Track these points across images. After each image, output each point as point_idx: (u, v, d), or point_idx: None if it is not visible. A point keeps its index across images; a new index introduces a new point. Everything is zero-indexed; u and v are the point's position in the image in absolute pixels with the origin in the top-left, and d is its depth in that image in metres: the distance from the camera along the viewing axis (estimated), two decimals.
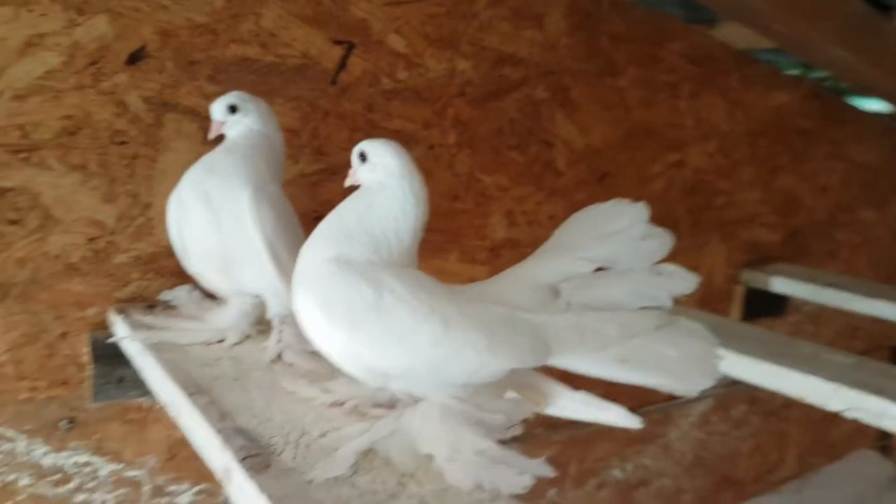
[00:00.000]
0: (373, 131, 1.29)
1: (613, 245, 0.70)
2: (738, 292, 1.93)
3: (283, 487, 0.56)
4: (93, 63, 1.03)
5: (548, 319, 0.67)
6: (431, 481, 0.60)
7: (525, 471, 0.60)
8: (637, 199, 1.65)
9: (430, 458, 0.63)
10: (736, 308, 1.93)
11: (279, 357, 0.88)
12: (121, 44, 1.05)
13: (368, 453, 0.64)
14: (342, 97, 1.25)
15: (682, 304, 1.84)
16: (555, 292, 0.70)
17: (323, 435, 0.66)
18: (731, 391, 2.02)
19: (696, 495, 2.06)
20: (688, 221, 1.82)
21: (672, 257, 1.81)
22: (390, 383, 0.70)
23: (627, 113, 1.65)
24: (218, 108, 0.96)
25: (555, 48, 1.50)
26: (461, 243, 1.45)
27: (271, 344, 0.89)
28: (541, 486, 1.71)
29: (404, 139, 1.33)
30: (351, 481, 0.59)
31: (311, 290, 0.68)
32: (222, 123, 0.96)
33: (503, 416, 0.65)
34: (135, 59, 1.06)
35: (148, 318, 0.98)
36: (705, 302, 1.91)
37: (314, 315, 0.68)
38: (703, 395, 1.98)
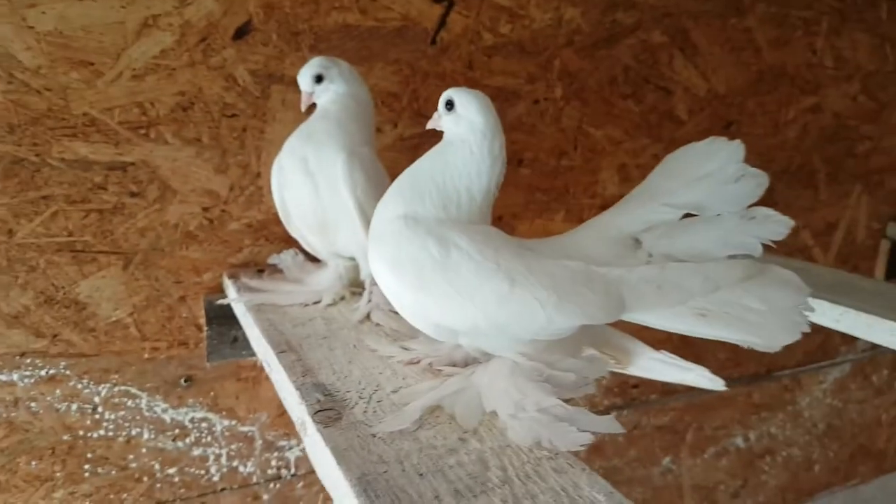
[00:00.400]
0: (473, 89, 1.26)
1: (702, 189, 0.66)
2: (884, 248, 1.76)
3: (348, 440, 0.59)
4: (202, 40, 1.08)
5: (625, 273, 0.63)
6: (493, 438, 0.61)
7: (590, 427, 0.58)
8: (769, 147, 1.56)
9: (494, 414, 0.63)
10: (880, 265, 1.77)
11: (368, 317, 0.91)
12: (228, 19, 1.09)
13: (436, 409, 0.65)
14: (442, 57, 1.24)
15: (820, 262, 1.71)
16: (636, 243, 0.67)
17: (395, 391, 0.68)
18: (873, 356, 1.86)
19: (828, 467, 1.94)
20: (826, 171, 1.67)
21: (808, 211, 1.70)
22: (461, 339, 0.70)
23: (756, 55, 1.52)
24: (304, 80, 0.97)
25: None
26: (568, 202, 1.41)
27: (361, 305, 0.92)
28: (655, 453, 1.68)
29: (506, 95, 1.30)
30: (414, 435, 0.61)
31: (381, 249, 0.69)
32: (311, 94, 0.98)
33: (574, 374, 0.63)
34: (241, 33, 1.10)
35: (254, 282, 1.04)
36: (846, 259, 1.76)
37: (384, 273, 0.69)
38: (840, 360, 1.84)
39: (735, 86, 1.52)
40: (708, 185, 0.65)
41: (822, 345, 1.82)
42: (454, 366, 0.73)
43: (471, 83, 1.26)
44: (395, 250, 0.68)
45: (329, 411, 0.64)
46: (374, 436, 0.60)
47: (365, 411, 0.64)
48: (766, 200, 1.71)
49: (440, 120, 0.74)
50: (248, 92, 1.12)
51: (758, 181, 0.65)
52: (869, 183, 1.73)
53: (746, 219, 0.64)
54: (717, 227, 0.65)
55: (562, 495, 0.52)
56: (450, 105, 0.73)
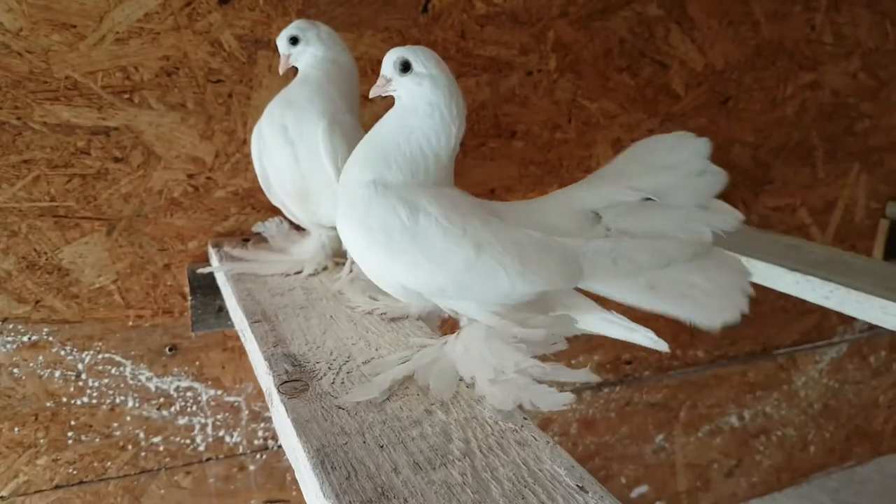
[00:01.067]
0: (465, 59, 1.25)
1: (666, 177, 0.68)
2: (882, 228, 1.74)
3: (312, 411, 0.58)
4: (188, 4, 1.06)
5: (583, 244, 0.67)
6: (459, 409, 0.60)
7: (569, 380, 0.61)
8: (766, 123, 1.54)
9: (470, 383, 0.64)
10: (879, 245, 1.75)
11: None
12: None
13: (406, 381, 0.65)
14: (433, 25, 1.22)
15: (817, 240, 1.69)
16: (597, 217, 0.70)
17: (366, 362, 0.68)
18: (870, 336, 1.85)
19: (823, 447, 1.93)
20: (824, 149, 1.65)
21: (806, 189, 1.68)
22: (434, 301, 0.72)
23: (754, 29, 1.50)
24: (281, 42, 0.95)
25: None
26: (561, 176, 1.39)
27: (343, 275, 0.91)
28: (647, 431, 1.67)
29: (499, 66, 1.28)
30: (380, 407, 0.60)
31: (350, 214, 0.70)
32: (288, 56, 0.95)
33: (544, 330, 0.65)
34: None
35: (237, 251, 1.02)
36: (844, 238, 1.74)
37: (353, 237, 0.70)
38: (836, 340, 1.83)
39: (732, 60, 1.49)
40: (671, 175, 0.68)
41: (818, 324, 1.80)
42: (407, 317, 0.77)
43: (463, 52, 1.25)
44: (364, 215, 0.69)
45: (296, 382, 0.63)
46: (339, 407, 0.59)
47: (333, 382, 0.64)
48: (763, 177, 1.69)
49: (390, 84, 0.72)
50: (234, 57, 1.10)
51: (718, 179, 0.68)
52: (868, 162, 1.71)
53: (702, 208, 0.67)
54: (674, 212, 0.68)
55: (522, 469, 0.52)
56: (405, 66, 0.71)
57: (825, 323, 1.81)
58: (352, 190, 0.72)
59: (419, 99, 0.71)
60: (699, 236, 0.67)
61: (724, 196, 1.62)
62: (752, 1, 1.47)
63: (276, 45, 1.11)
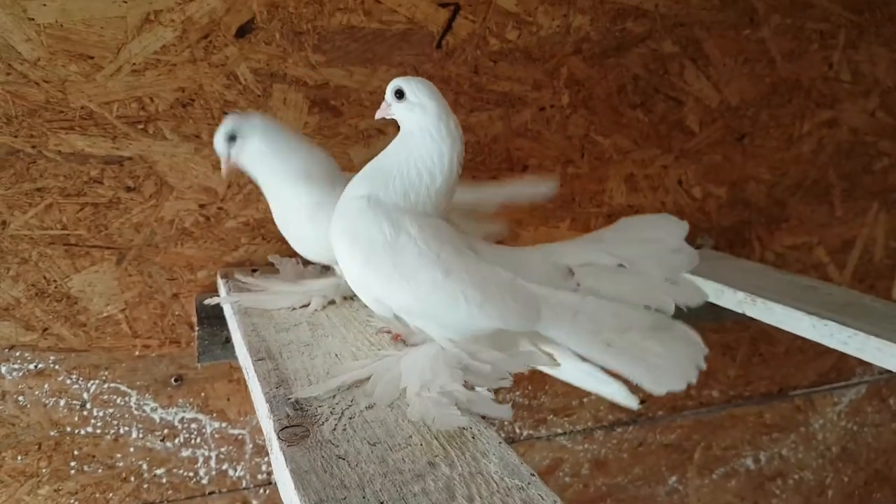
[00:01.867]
0: (478, 94, 1.25)
1: (643, 249, 0.74)
2: None
3: (311, 461, 0.56)
4: (204, 37, 1.07)
5: (549, 292, 0.71)
6: (464, 463, 0.58)
7: (485, 412, 0.65)
8: (782, 161, 1.53)
9: (403, 392, 0.68)
10: None
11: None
12: (231, 17, 1.08)
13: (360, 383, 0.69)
14: (447, 61, 1.22)
15: (835, 280, 1.66)
16: (570, 272, 0.74)
17: (370, 407, 0.66)
18: (890, 378, 1.81)
19: (841, 492, 1.87)
20: (841, 188, 1.63)
21: (824, 227, 1.66)
22: (402, 316, 0.76)
23: (770, 66, 1.49)
24: (219, 144, 0.94)
25: None
26: (574, 210, 1.38)
27: None
28: (661, 472, 1.63)
29: (512, 101, 1.28)
30: (382, 458, 0.58)
31: (342, 223, 0.76)
32: (228, 157, 0.93)
33: (490, 366, 0.68)
34: (244, 31, 1.10)
35: (247, 279, 1.02)
36: (863, 278, 1.71)
37: (341, 245, 0.76)
38: (855, 382, 1.79)
39: (748, 98, 1.49)
40: (649, 248, 0.73)
41: (836, 365, 1.76)
42: (415, 345, 0.78)
43: (476, 87, 1.25)
44: (354, 225, 0.75)
45: (296, 427, 0.62)
46: (340, 458, 0.57)
47: (334, 429, 0.62)
48: (779, 214, 1.67)
49: (390, 109, 0.79)
50: (249, 90, 1.11)
51: (691, 258, 0.73)
52: (887, 201, 1.69)
53: (671, 282, 0.72)
54: (644, 280, 0.72)
55: None
56: (399, 94, 0.77)
57: (843, 364, 1.77)
58: (348, 201, 0.77)
59: (413, 124, 0.77)
60: (662, 306, 0.70)
61: (741, 233, 1.60)
62: (768, 39, 1.47)
63: (291, 79, 1.13)
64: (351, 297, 0.95)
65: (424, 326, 0.75)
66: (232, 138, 0.93)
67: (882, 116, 1.62)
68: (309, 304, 0.94)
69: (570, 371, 0.74)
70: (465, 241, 0.76)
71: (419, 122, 0.76)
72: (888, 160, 1.66)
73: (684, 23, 1.39)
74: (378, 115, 0.80)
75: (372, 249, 0.72)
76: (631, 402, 0.72)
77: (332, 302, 0.95)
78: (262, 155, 0.93)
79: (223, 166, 0.94)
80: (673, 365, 0.67)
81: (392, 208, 0.74)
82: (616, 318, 0.69)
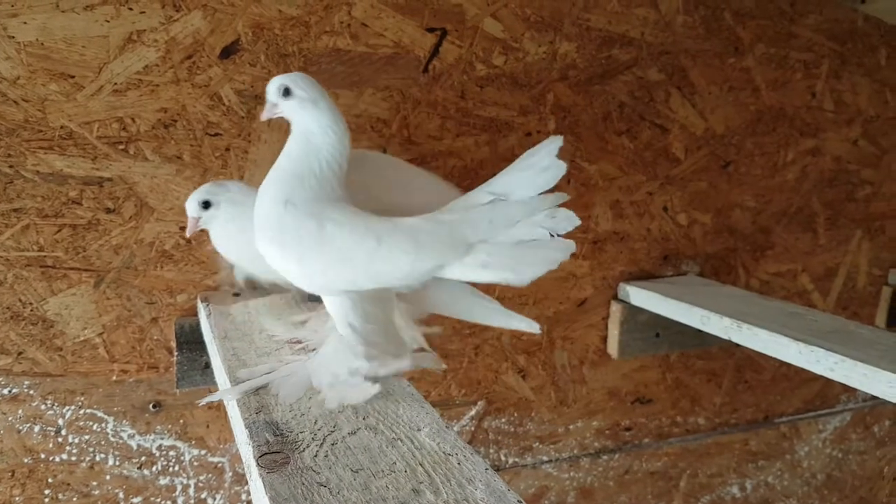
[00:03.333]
0: (465, 119, 1.25)
1: (516, 176, 0.79)
2: (885, 295, 1.72)
3: (292, 488, 0.54)
4: (188, 57, 1.06)
5: (462, 215, 0.79)
6: (449, 490, 0.56)
7: (396, 368, 0.74)
8: (767, 188, 1.54)
9: (318, 390, 0.73)
10: (882, 313, 1.72)
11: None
12: (215, 38, 1.08)
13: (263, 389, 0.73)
14: (434, 85, 1.22)
15: (819, 307, 1.66)
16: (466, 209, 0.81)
17: (353, 433, 0.64)
18: (874, 405, 1.80)
19: None
20: (825, 215, 1.64)
21: (807, 255, 1.66)
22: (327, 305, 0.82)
23: (755, 95, 1.50)
24: (191, 207, 0.96)
25: (670, 27, 1.39)
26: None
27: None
28: (647, 500, 1.61)
29: (499, 126, 1.28)
30: (365, 485, 0.56)
31: (266, 232, 0.80)
32: (197, 220, 0.96)
33: (375, 350, 0.75)
34: (228, 52, 1.09)
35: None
36: (846, 305, 1.72)
37: (272, 252, 0.80)
38: (840, 409, 1.79)
39: (733, 125, 1.50)
40: (523, 174, 0.78)
41: (820, 392, 1.76)
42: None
43: (462, 112, 1.25)
44: (278, 232, 0.79)
45: (276, 454, 0.60)
46: (321, 485, 0.56)
47: (316, 455, 0.60)
48: (763, 242, 1.67)
49: (277, 108, 0.83)
50: (232, 111, 1.10)
51: (556, 172, 0.77)
52: (870, 229, 1.70)
53: (550, 216, 0.77)
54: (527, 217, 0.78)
55: None
56: (286, 92, 0.82)
57: (828, 391, 1.77)
58: (267, 210, 0.80)
59: (310, 121, 0.82)
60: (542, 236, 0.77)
61: (726, 260, 1.60)
62: (753, 68, 1.49)
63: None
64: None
65: (335, 308, 0.80)
66: (206, 205, 0.96)
67: (864, 145, 1.64)
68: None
69: (475, 308, 0.85)
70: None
71: (316, 118, 0.82)
72: (870, 188, 1.67)
73: (670, 51, 1.40)
74: (264, 116, 0.84)
75: (302, 247, 0.77)
76: (533, 327, 0.82)
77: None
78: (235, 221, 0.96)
79: (189, 228, 0.97)
80: (536, 261, 0.76)
81: (310, 204, 0.79)
82: (522, 206, 0.76)
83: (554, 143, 0.77)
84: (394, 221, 0.79)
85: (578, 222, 0.78)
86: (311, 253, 0.77)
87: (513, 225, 0.76)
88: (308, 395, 0.72)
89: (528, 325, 0.83)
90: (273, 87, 0.83)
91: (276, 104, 0.83)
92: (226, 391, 0.75)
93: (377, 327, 0.79)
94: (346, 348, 0.76)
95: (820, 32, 1.53)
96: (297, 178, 0.81)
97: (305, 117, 0.82)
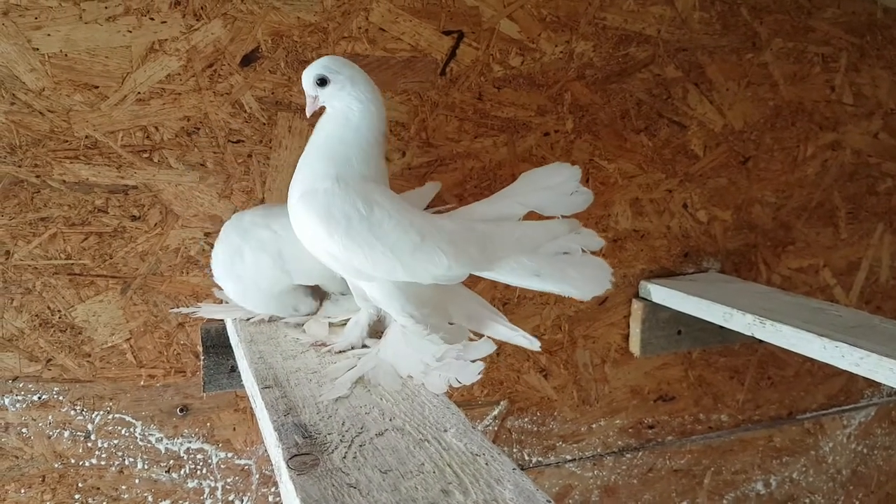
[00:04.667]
0: (483, 120, 1.26)
1: (545, 194, 0.88)
2: None
3: (322, 489, 0.55)
4: (209, 66, 1.08)
5: (494, 226, 0.85)
6: (478, 490, 0.57)
7: (474, 355, 0.78)
8: (787, 184, 1.53)
9: (408, 378, 0.78)
10: None
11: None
12: (235, 46, 1.09)
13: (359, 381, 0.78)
14: (451, 87, 1.23)
15: (842, 302, 1.65)
16: (497, 223, 0.87)
17: (380, 434, 0.65)
18: None
19: None
20: (846, 209, 1.62)
21: (829, 249, 1.65)
22: (367, 291, 0.85)
23: (773, 90, 1.50)
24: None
25: (686, 23, 1.39)
26: None
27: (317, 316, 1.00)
28: (670, 498, 1.61)
29: (517, 127, 1.29)
30: (395, 486, 0.57)
31: (314, 204, 0.80)
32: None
33: (447, 334, 0.82)
34: (249, 60, 1.10)
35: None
36: (869, 299, 1.70)
37: (315, 227, 0.80)
38: (864, 404, 1.77)
39: (752, 121, 1.49)
40: (550, 193, 0.88)
41: (844, 388, 1.75)
42: (353, 347, 0.88)
43: (480, 114, 1.25)
44: (327, 206, 0.79)
45: (306, 456, 0.61)
46: (351, 486, 0.56)
47: (345, 457, 0.61)
48: (784, 237, 1.66)
49: (318, 100, 0.84)
50: (254, 118, 1.11)
51: (585, 198, 0.89)
52: (892, 222, 1.68)
53: (576, 229, 0.88)
54: (552, 232, 0.87)
55: None
56: (323, 81, 0.83)
57: (852, 386, 1.76)
58: (315, 183, 0.81)
59: (350, 100, 0.83)
60: (571, 251, 0.86)
61: (747, 256, 1.59)
62: (771, 63, 1.48)
63: (296, 107, 1.13)
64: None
65: (385, 304, 0.84)
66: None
67: (885, 138, 1.62)
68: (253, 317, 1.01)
69: (487, 323, 0.89)
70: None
71: (356, 96, 0.83)
72: (892, 181, 1.66)
73: (687, 48, 1.40)
74: (309, 112, 0.84)
75: (350, 226, 0.78)
76: (533, 344, 0.86)
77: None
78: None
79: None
80: (589, 280, 0.84)
81: (360, 184, 0.81)
82: (544, 232, 0.85)
83: (570, 169, 0.89)
84: (432, 220, 0.82)
85: (602, 243, 0.88)
86: (357, 234, 0.78)
87: (536, 249, 0.84)
88: (327, 393, 0.74)
89: (529, 343, 0.87)
90: (309, 80, 0.83)
91: (315, 96, 0.83)
92: (337, 387, 0.76)
93: (431, 310, 0.84)
94: (415, 336, 0.81)
95: (838, 26, 1.52)
96: (343, 157, 0.82)
97: (345, 98, 0.83)
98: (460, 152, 1.25)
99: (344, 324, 0.95)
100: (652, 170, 1.42)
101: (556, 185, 0.88)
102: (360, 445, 0.63)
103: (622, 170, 1.39)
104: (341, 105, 0.83)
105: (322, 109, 0.88)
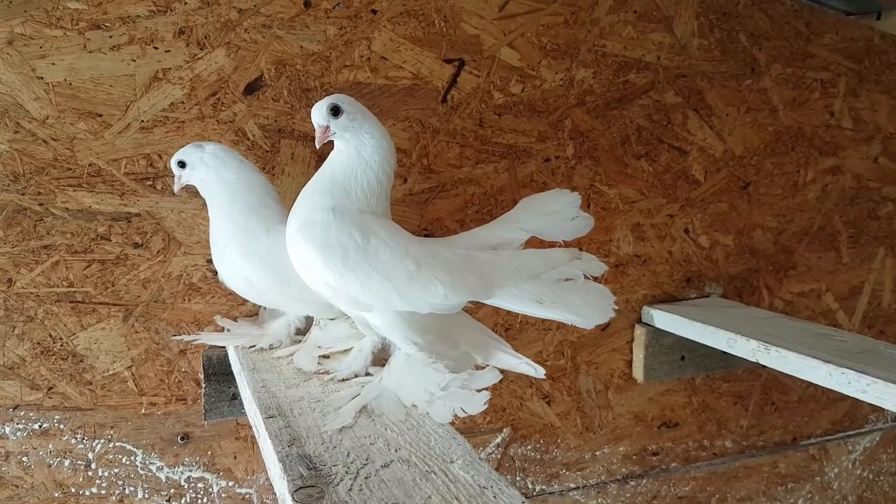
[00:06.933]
0: (483, 146, 1.26)
1: (546, 220, 0.88)
2: None
3: None
4: (213, 94, 1.08)
5: (492, 255, 0.85)
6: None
7: (480, 384, 0.77)
8: (787, 208, 1.53)
9: (412, 407, 0.79)
10: None
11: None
12: (239, 75, 1.10)
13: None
14: (452, 114, 1.23)
15: (845, 326, 1.64)
16: (494, 251, 0.87)
17: (386, 465, 0.64)
18: None
19: None
20: (847, 234, 1.63)
21: (831, 274, 1.65)
22: (370, 319, 0.85)
23: (773, 115, 1.51)
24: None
25: (686, 50, 1.40)
26: None
27: (303, 341, 1.00)
28: None
29: (517, 153, 1.29)
30: None
31: (311, 234, 0.80)
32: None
33: (452, 362, 0.81)
34: (252, 88, 1.11)
35: (224, 321, 1.09)
36: (872, 323, 1.70)
37: (312, 257, 0.80)
38: (868, 429, 1.76)
39: (752, 146, 1.50)
40: (551, 219, 0.89)
41: (849, 413, 1.74)
42: (356, 375, 0.89)
43: (481, 140, 1.26)
44: (323, 236, 0.80)
45: (311, 489, 0.60)
46: None
47: (350, 489, 0.60)
48: (786, 262, 1.66)
49: (329, 130, 0.84)
50: (257, 146, 1.12)
51: (586, 222, 0.89)
52: (893, 246, 1.68)
53: (576, 257, 0.87)
54: (552, 261, 0.87)
55: None
56: (335, 111, 0.83)
57: (856, 411, 1.75)
58: (312, 214, 0.82)
59: (362, 134, 0.84)
60: (573, 277, 0.86)
61: (749, 281, 1.59)
62: (770, 88, 1.49)
63: (298, 134, 1.14)
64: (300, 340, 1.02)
65: (388, 333, 0.84)
66: (182, 165, 0.98)
67: (885, 162, 1.63)
68: (256, 345, 1.02)
69: (491, 351, 0.89)
70: (416, 237, 0.87)
71: (368, 131, 0.84)
72: (893, 206, 1.66)
73: (686, 74, 1.41)
74: (319, 143, 0.84)
75: (347, 256, 0.78)
76: (539, 372, 0.87)
77: (280, 343, 1.02)
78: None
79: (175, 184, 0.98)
80: (592, 308, 0.84)
81: (357, 214, 0.82)
82: (544, 261, 0.85)
83: (569, 195, 0.89)
84: (429, 249, 0.82)
85: (605, 268, 0.88)
86: (354, 263, 0.78)
87: (536, 277, 0.84)
88: (331, 423, 0.73)
89: (534, 371, 0.87)
90: (322, 111, 0.83)
91: (326, 126, 0.83)
92: (341, 416, 0.75)
93: (435, 337, 0.84)
94: (419, 365, 0.81)
95: (836, 51, 1.53)
96: (343, 188, 0.83)
97: (357, 132, 0.84)
98: (461, 178, 1.26)
99: (342, 352, 0.95)
100: (653, 195, 1.42)
101: (556, 211, 0.89)
102: (366, 477, 0.62)
103: (623, 195, 1.40)
104: (353, 138, 0.84)
105: (329, 145, 0.88)
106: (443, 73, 1.22)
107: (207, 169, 0.96)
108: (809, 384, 1.13)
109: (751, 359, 1.19)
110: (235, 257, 0.93)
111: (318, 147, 0.84)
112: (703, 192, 1.47)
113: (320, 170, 0.86)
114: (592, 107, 1.34)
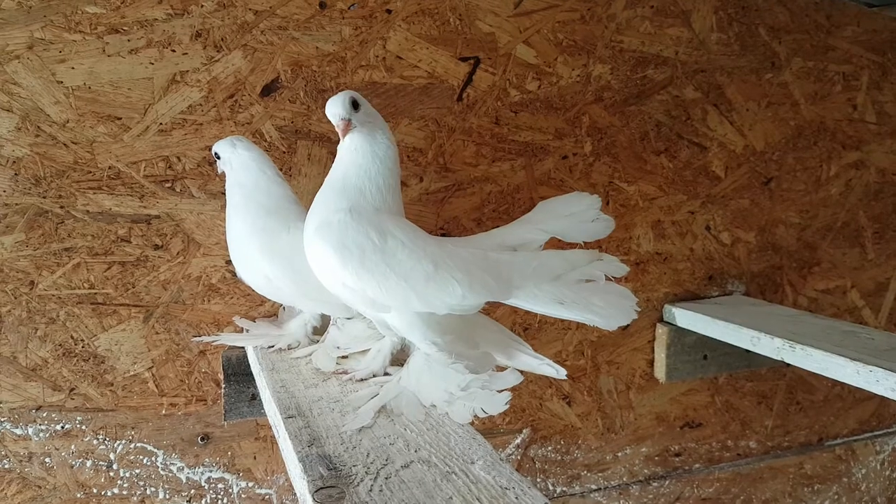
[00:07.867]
0: (500, 144, 1.25)
1: (567, 222, 0.88)
2: None
3: None
4: (230, 96, 1.09)
5: (511, 256, 0.84)
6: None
7: (500, 385, 0.77)
8: (810, 204, 1.51)
9: (432, 407, 0.78)
10: None
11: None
12: (256, 77, 1.10)
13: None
14: (468, 113, 1.23)
15: (871, 323, 1.61)
16: (513, 251, 0.86)
17: (406, 466, 0.64)
18: None
19: None
20: (873, 229, 1.60)
21: (856, 270, 1.62)
22: (388, 320, 0.83)
23: (794, 109, 1.48)
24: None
25: (704, 45, 1.39)
26: None
27: (320, 342, 1.00)
28: None
29: (534, 151, 1.28)
30: None
31: (328, 236, 0.80)
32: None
33: (472, 362, 0.81)
34: (269, 90, 1.11)
35: (242, 322, 1.09)
36: None
37: (329, 256, 0.79)
38: None
39: (773, 141, 1.48)
40: (571, 220, 0.88)
41: (876, 412, 1.71)
42: (374, 375, 0.88)
43: (497, 138, 1.25)
44: (341, 237, 0.79)
45: (331, 489, 0.60)
46: None
47: (370, 490, 0.60)
48: (810, 258, 1.63)
49: (352, 123, 0.82)
50: (274, 147, 1.12)
51: (607, 224, 0.88)
52: None
53: (597, 259, 0.86)
54: (572, 263, 0.85)
55: None
56: (356, 105, 0.82)
57: (884, 410, 1.71)
58: (329, 215, 0.81)
59: (377, 132, 0.84)
60: (594, 279, 0.85)
61: (772, 278, 1.56)
62: (791, 82, 1.47)
63: (315, 135, 1.14)
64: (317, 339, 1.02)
65: (407, 333, 0.83)
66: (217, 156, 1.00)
67: None
68: (275, 345, 1.02)
69: (513, 354, 0.88)
70: (434, 237, 0.86)
71: (381, 128, 0.85)
72: None
73: (705, 69, 1.39)
74: (343, 134, 0.83)
75: (364, 256, 0.78)
76: (560, 373, 0.86)
77: (299, 343, 1.03)
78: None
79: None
80: (614, 309, 0.82)
81: (373, 214, 0.81)
82: (564, 262, 0.83)
83: (590, 197, 0.88)
84: (447, 249, 0.82)
85: (627, 269, 0.86)
86: (371, 264, 0.78)
87: (557, 278, 0.83)
88: (350, 423, 0.73)
89: (555, 372, 0.86)
90: (345, 104, 0.81)
91: (348, 119, 0.82)
92: (360, 416, 0.75)
93: (454, 337, 0.83)
94: (439, 365, 0.80)
95: (858, 44, 1.51)
96: (357, 189, 0.82)
97: (373, 128, 0.84)
98: (478, 176, 1.25)
99: (360, 352, 0.94)
100: (673, 191, 1.41)
101: (576, 213, 0.88)
102: (386, 478, 0.62)
103: (643, 192, 1.38)
104: (369, 133, 0.84)
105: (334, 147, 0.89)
106: (458, 72, 1.21)
107: (232, 169, 0.98)
108: (836, 383, 1.12)
109: (775, 357, 1.17)
110: (256, 254, 0.94)
111: (343, 140, 0.83)
112: (724, 188, 1.45)
113: (330, 173, 0.86)
114: (610, 103, 1.33)
